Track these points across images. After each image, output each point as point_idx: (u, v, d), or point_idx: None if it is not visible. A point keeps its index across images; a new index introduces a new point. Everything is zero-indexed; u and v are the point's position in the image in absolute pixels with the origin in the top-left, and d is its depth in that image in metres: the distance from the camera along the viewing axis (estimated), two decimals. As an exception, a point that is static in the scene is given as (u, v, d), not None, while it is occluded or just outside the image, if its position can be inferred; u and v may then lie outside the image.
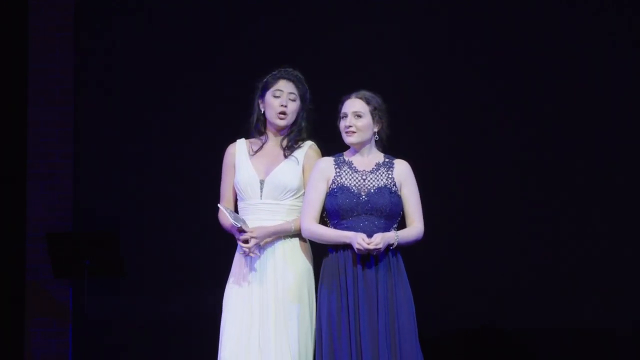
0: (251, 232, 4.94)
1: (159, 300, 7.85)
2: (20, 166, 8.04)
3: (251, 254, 4.97)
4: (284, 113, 5.10)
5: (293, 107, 5.13)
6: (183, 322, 7.76)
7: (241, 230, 4.93)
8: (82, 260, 7.42)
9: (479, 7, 7.86)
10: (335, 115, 5.07)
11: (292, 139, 5.12)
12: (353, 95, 5.03)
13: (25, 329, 7.92)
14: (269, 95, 5.12)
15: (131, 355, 7.84)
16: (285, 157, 5.09)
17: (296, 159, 5.08)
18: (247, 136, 5.21)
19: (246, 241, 4.95)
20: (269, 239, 5.00)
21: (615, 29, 7.78)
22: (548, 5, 7.82)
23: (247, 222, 5.00)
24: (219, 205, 5.01)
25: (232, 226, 4.96)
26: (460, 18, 7.87)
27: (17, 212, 8.01)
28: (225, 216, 4.97)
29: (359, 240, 4.77)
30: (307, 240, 5.07)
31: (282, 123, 5.11)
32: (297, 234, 5.05)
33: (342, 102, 5.04)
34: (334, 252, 4.90)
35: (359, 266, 4.85)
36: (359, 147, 5.02)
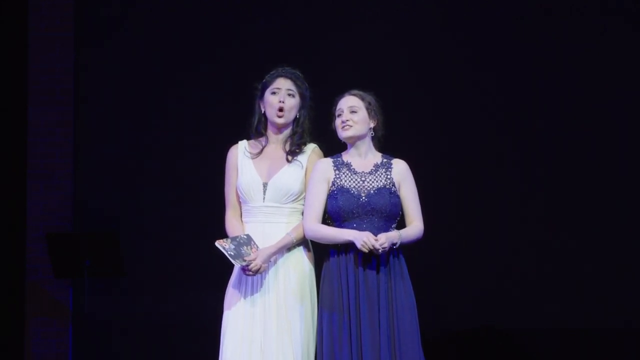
0: (254, 259, 4.90)
1: (159, 300, 7.85)
2: (20, 166, 8.04)
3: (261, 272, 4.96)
4: (281, 110, 5.09)
5: (291, 103, 5.11)
6: (183, 322, 7.76)
7: (245, 265, 4.91)
8: (82, 260, 7.42)
9: (479, 8, 7.86)
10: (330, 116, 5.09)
11: (295, 142, 5.10)
12: (347, 94, 5.07)
13: (25, 329, 7.92)
14: (267, 94, 5.12)
15: (131, 355, 7.84)
16: (289, 161, 5.08)
17: (300, 162, 5.07)
18: (248, 138, 5.20)
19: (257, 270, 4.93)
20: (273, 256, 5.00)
21: (614, 31, 7.80)
22: (548, 6, 7.83)
23: (246, 231, 5.00)
24: (216, 243, 4.93)
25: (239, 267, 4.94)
26: (460, 19, 7.87)
27: (17, 212, 8.01)
28: (229, 243, 4.93)
29: (365, 238, 4.77)
30: (309, 242, 5.07)
31: (280, 121, 5.10)
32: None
33: (335, 102, 5.07)
34: (336, 255, 4.90)
35: (360, 268, 4.85)
36: (353, 142, 5.01)
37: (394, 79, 7.66)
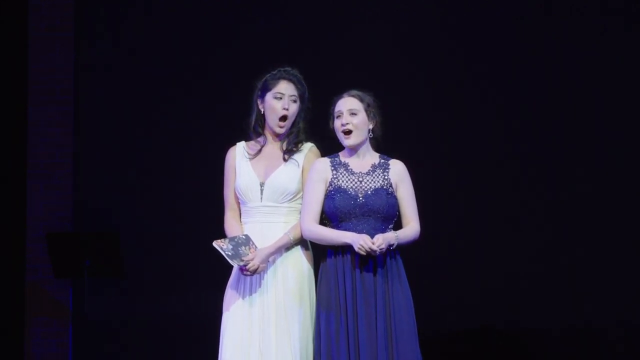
0: (251, 259, 4.91)
1: (159, 300, 7.85)
2: (20, 166, 8.04)
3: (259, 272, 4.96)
4: (284, 118, 5.08)
5: (294, 109, 5.11)
6: (183, 322, 7.76)
7: (242, 265, 4.91)
8: (82, 260, 7.42)
9: (479, 8, 7.86)
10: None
11: (292, 141, 5.09)
12: (345, 95, 5.04)
13: (25, 329, 7.92)
14: (269, 97, 5.11)
15: (131, 355, 7.84)
16: (285, 160, 5.07)
17: (296, 161, 5.07)
18: (246, 138, 5.20)
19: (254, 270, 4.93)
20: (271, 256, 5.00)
21: (614, 31, 7.80)
22: (548, 6, 7.83)
23: (245, 232, 5.00)
24: (213, 244, 4.94)
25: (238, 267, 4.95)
26: (460, 19, 7.87)
27: (17, 212, 8.01)
28: (227, 243, 4.93)
29: (362, 241, 4.76)
30: (308, 242, 5.07)
31: (281, 131, 5.09)
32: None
33: (334, 103, 5.04)
34: (333, 256, 4.89)
35: (357, 270, 4.84)
36: (356, 148, 5.01)
37: (394, 79, 7.66)
